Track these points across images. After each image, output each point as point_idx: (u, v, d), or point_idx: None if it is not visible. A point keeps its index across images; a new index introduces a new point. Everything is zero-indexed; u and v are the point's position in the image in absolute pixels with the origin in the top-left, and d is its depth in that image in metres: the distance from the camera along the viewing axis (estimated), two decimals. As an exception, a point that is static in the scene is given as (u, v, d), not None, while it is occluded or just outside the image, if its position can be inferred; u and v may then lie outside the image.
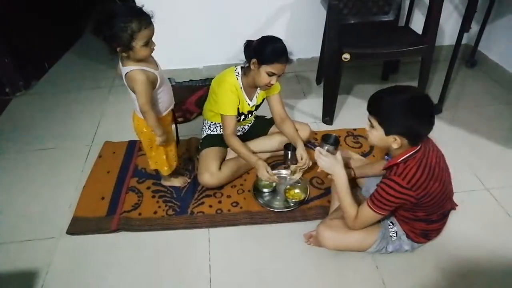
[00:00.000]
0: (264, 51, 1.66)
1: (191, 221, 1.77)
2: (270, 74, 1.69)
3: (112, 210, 1.83)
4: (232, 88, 1.78)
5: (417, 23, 2.67)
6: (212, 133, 2.02)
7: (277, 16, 2.71)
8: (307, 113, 2.51)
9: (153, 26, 1.40)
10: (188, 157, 2.15)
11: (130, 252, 1.67)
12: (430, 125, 1.28)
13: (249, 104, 1.90)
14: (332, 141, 1.49)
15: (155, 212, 1.82)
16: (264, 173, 1.74)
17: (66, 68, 3.24)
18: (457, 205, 1.58)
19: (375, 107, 1.32)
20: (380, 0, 2.45)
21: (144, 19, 1.36)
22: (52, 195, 1.96)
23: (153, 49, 1.46)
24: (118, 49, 1.38)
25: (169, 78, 2.84)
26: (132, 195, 1.92)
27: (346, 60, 2.09)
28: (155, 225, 1.76)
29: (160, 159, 1.76)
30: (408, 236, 1.50)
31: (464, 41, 2.18)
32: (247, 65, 1.76)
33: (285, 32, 2.76)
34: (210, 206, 1.83)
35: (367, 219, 1.40)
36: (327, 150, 1.48)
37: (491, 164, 2.04)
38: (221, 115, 1.81)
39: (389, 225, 1.50)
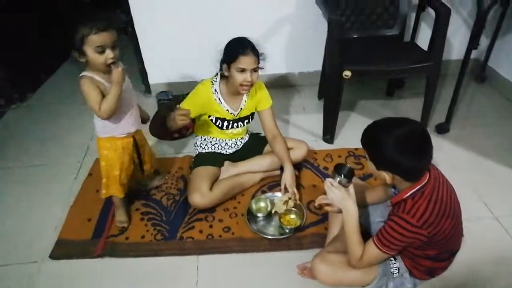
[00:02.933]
0: (227, 50, 1.67)
1: (180, 247, 1.67)
2: (241, 71, 1.64)
3: (98, 233, 1.74)
4: (199, 88, 1.79)
5: (424, 37, 2.57)
6: (204, 151, 1.94)
7: (277, 28, 2.62)
8: (306, 130, 2.41)
9: (112, 33, 1.34)
10: (180, 175, 2.06)
11: (115, 279, 1.57)
12: (423, 161, 1.19)
13: (227, 110, 1.82)
14: (345, 172, 1.35)
15: (143, 237, 1.73)
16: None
17: (63, 79, 3.17)
18: (462, 235, 1.46)
19: (365, 143, 1.25)
20: (384, 14, 2.35)
21: (98, 24, 1.30)
22: (37, 215, 1.87)
23: (111, 59, 1.36)
24: (72, 51, 1.34)
25: (166, 91, 2.77)
26: (120, 217, 1.83)
27: (347, 77, 1.99)
28: (141, 251, 1.67)
29: (114, 184, 1.66)
30: (411, 273, 1.38)
31: (473, 56, 2.07)
32: (226, 74, 1.71)
33: (285, 45, 2.68)
34: (201, 231, 1.74)
35: (373, 258, 1.29)
36: (339, 182, 1.33)
37: (500, 189, 1.91)
38: None
39: (390, 260, 1.38)
